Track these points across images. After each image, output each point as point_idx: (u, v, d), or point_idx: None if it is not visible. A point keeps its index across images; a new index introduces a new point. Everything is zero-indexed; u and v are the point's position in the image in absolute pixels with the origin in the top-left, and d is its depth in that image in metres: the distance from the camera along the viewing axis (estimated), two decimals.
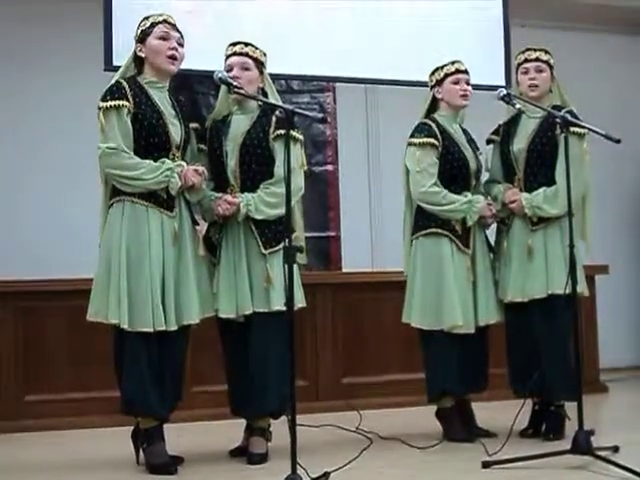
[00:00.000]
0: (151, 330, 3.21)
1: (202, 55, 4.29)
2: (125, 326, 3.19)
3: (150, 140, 3.30)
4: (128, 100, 3.28)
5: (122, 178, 3.25)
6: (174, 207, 3.34)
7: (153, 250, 3.25)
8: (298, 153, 3.49)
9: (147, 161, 3.27)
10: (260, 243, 3.45)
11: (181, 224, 3.36)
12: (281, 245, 3.40)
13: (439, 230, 3.77)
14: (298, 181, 3.46)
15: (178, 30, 3.42)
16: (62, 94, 5.30)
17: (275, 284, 3.40)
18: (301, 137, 3.56)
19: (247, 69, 3.51)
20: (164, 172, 3.27)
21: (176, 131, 3.37)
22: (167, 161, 3.30)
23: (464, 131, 3.94)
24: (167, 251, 3.29)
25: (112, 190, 3.33)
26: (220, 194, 3.48)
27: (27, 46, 5.36)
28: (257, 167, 3.48)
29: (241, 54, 3.52)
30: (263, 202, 3.43)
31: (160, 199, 3.30)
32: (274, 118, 3.51)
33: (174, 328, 3.28)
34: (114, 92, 3.28)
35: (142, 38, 3.39)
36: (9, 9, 5.33)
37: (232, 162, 3.48)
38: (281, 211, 3.40)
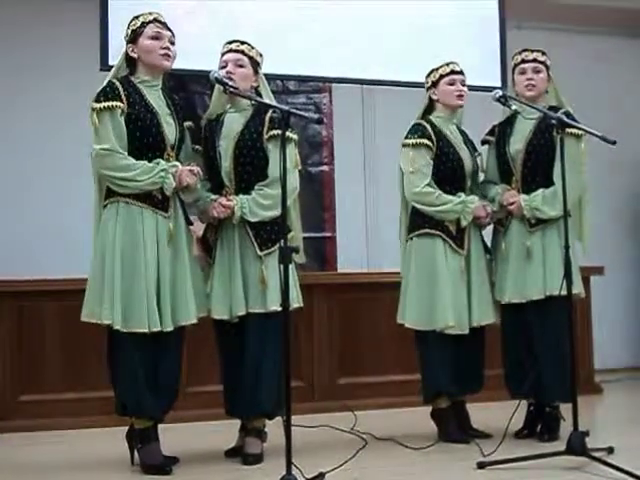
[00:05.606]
0: (146, 331, 3.20)
1: (198, 55, 4.29)
2: (118, 327, 3.18)
3: (144, 141, 3.30)
4: (122, 100, 3.27)
5: (116, 179, 3.24)
6: (169, 207, 3.34)
7: (148, 251, 3.25)
8: (292, 153, 3.49)
9: (141, 162, 3.27)
10: (255, 245, 3.44)
11: (176, 224, 3.36)
12: (277, 246, 3.40)
13: (432, 231, 3.77)
14: (292, 181, 3.45)
15: (169, 28, 3.42)
16: (62, 96, 5.29)
17: (270, 285, 3.40)
18: (295, 137, 3.56)
19: (241, 66, 3.51)
20: (158, 173, 3.27)
21: (171, 131, 3.36)
22: (161, 162, 3.30)
23: (461, 132, 3.94)
24: (162, 252, 3.29)
25: (106, 191, 3.32)
26: (215, 196, 3.48)
27: (28, 47, 5.36)
28: (251, 168, 3.47)
29: (237, 51, 3.53)
30: (257, 204, 3.43)
31: (155, 200, 3.30)
32: (267, 118, 3.51)
33: (170, 329, 3.27)
34: (107, 93, 3.28)
35: (133, 38, 3.37)
36: (9, 10, 5.33)
37: (226, 164, 3.48)
38: (276, 212, 3.41)
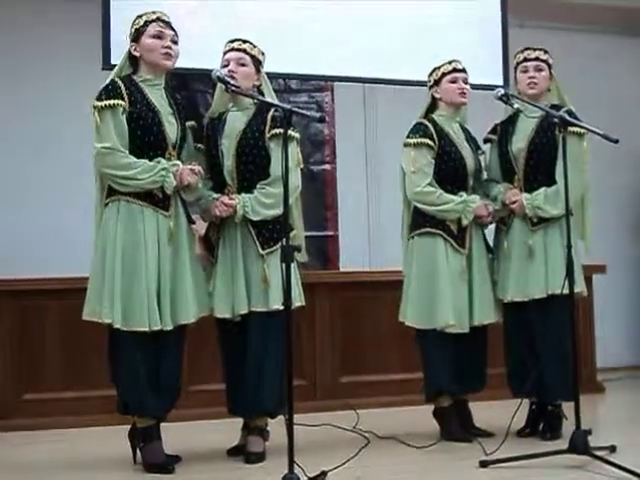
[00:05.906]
0: (147, 329, 3.20)
1: (200, 54, 4.28)
2: (119, 326, 3.19)
3: (145, 139, 3.30)
4: (123, 99, 3.27)
5: (117, 178, 3.24)
6: (170, 206, 3.34)
7: (149, 250, 3.24)
8: (294, 151, 3.49)
9: (142, 161, 3.27)
10: (258, 243, 3.44)
11: (177, 223, 3.36)
12: (279, 245, 3.40)
13: (433, 230, 3.77)
14: (294, 180, 3.45)
15: (172, 27, 3.42)
16: (62, 96, 5.27)
17: (273, 283, 3.40)
18: (297, 135, 3.56)
19: (244, 65, 3.51)
20: (159, 172, 3.27)
21: (172, 130, 3.36)
22: (162, 160, 3.30)
23: (464, 130, 3.94)
24: (163, 250, 3.29)
25: (108, 190, 3.32)
26: (217, 195, 3.48)
27: (28, 47, 5.36)
28: (253, 167, 3.47)
29: (239, 50, 3.53)
30: (259, 203, 3.43)
31: (156, 198, 3.30)
32: (269, 117, 3.50)
33: (170, 328, 3.27)
34: (109, 91, 3.28)
35: (136, 37, 3.38)
36: (9, 10, 5.33)
37: (228, 162, 3.48)
38: (278, 211, 3.40)
